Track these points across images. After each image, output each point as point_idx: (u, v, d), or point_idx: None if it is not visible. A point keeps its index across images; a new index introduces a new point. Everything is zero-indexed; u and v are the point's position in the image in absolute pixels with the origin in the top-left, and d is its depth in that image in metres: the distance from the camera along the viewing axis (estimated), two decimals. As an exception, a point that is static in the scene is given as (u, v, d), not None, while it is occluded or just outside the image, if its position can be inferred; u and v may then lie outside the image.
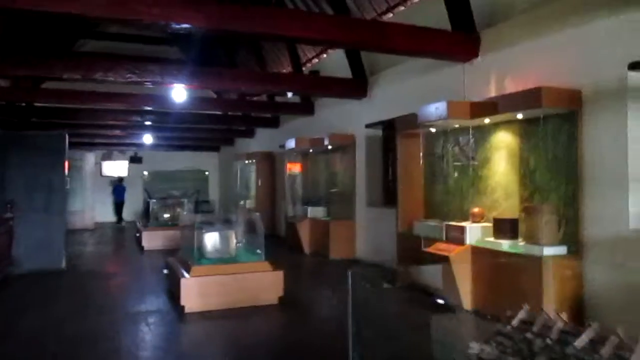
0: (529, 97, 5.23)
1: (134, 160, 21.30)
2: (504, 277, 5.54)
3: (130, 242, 12.99)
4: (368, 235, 9.70)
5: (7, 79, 11.71)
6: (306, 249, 10.70)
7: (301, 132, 12.04)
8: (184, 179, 21.57)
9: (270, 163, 14.92)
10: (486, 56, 6.70)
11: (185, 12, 5.13)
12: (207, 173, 22.42)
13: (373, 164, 9.69)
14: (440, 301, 6.25)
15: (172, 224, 12.36)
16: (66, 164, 8.86)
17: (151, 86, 8.54)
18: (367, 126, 9.51)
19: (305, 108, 12.25)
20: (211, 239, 6.67)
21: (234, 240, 6.83)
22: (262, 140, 16.29)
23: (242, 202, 16.39)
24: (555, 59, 5.63)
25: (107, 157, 21.24)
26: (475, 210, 6.33)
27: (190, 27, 5.32)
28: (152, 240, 11.56)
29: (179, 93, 9.33)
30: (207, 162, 22.22)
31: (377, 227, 9.41)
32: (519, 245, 5.48)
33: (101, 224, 19.22)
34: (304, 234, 10.71)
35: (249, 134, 17.16)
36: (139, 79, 7.92)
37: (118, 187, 20.02)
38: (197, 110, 13.84)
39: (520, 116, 5.70)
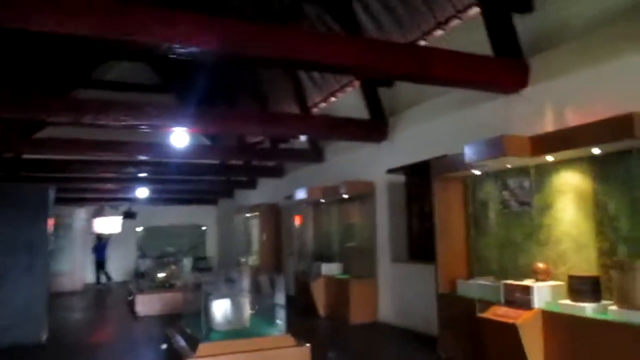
0: (617, 126, 4.26)
1: (128, 215, 20.08)
2: (589, 349, 4.43)
3: (122, 307, 11.69)
4: (393, 294, 8.55)
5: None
6: (321, 311, 9.50)
7: (309, 181, 11.06)
8: (179, 234, 20.41)
9: (275, 216, 13.84)
10: (537, 85, 5.82)
11: (195, 31, 4.21)
12: (204, 228, 21.25)
13: (396, 214, 8.65)
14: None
15: (169, 285, 11.16)
16: (50, 221, 7.77)
17: (147, 131, 7.58)
18: (389, 172, 8.53)
19: (314, 155, 11.31)
20: (221, 307, 5.53)
21: (248, 308, 5.69)
22: (265, 191, 15.28)
23: (243, 260, 15.19)
24: (630, 85, 4.75)
25: (99, 213, 20.05)
26: (540, 266, 5.25)
27: (198, 51, 4.39)
28: (147, 304, 10.31)
29: (179, 138, 8.36)
30: (204, 216, 21.10)
31: (404, 286, 8.30)
32: (610, 311, 4.39)
33: (92, 285, 17.89)
34: (319, 294, 9.53)
35: (250, 185, 16.15)
36: (135, 122, 6.97)
37: (99, 245, 18.62)
38: (195, 160, 12.91)
39: (596, 151, 4.72)
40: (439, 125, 7.56)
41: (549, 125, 5.57)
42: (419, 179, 8.20)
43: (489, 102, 6.48)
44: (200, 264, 17.38)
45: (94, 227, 19.85)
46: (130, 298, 11.29)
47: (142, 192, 15.67)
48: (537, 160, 5.22)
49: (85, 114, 6.79)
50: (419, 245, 8.20)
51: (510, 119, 6.13)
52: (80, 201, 17.80)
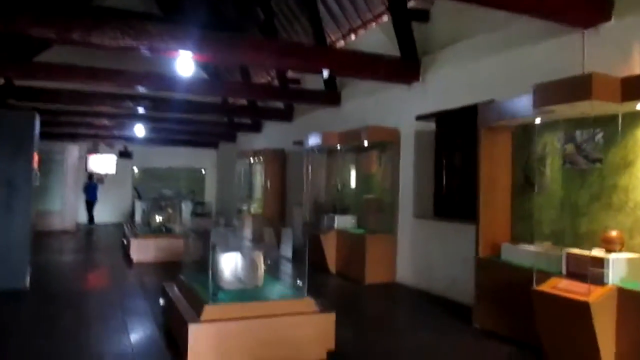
0: None
1: (123, 154, 19.20)
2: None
3: (116, 251, 10.93)
4: (414, 254, 7.76)
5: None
6: (332, 268, 8.73)
7: (322, 127, 10.09)
8: (177, 177, 19.54)
9: (281, 162, 12.93)
10: (624, 20, 4.81)
11: None
12: (203, 172, 20.36)
13: (423, 166, 7.76)
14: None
15: (167, 230, 10.35)
16: (34, 153, 6.83)
17: (148, 54, 6.53)
18: (419, 118, 7.58)
19: (330, 97, 10.29)
20: (230, 262, 4.69)
21: (262, 265, 4.85)
22: (271, 136, 14.30)
23: (244, 207, 14.39)
24: None
25: (93, 150, 19.11)
26: (613, 234, 4.40)
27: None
28: (142, 250, 9.53)
29: (184, 65, 7.33)
30: (203, 160, 20.18)
31: (427, 245, 7.50)
32: None
33: (84, 225, 17.17)
34: (330, 249, 8.74)
35: (255, 128, 15.14)
36: (133, 42, 5.93)
37: (89, 184, 17.79)
38: (197, 97, 11.88)
39: None
40: (481, 68, 6.59)
41: (636, 68, 4.60)
42: (452, 128, 7.28)
43: (549, 40, 5.50)
44: (198, 209, 16.60)
45: (88, 165, 19.02)
46: (125, 242, 10.52)
47: (139, 130, 14.67)
48: (625, 107, 4.27)
49: (76, 30, 5.76)
50: (448, 201, 7.35)
51: (577, 62, 5.14)
52: (73, 137, 16.82)
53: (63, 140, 15.97)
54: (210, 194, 20.06)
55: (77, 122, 15.37)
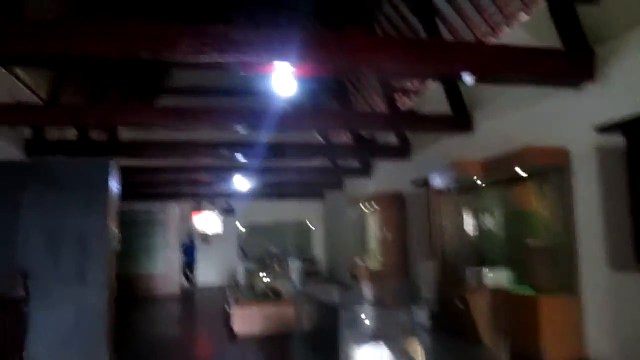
0: None
1: (226, 211, 18.30)
2: None
3: (218, 320, 9.46)
4: (612, 319, 5.46)
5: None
6: (484, 336, 6.58)
7: (449, 159, 8.21)
8: (282, 233, 18.24)
9: (399, 207, 11.03)
10: None
11: None
12: (310, 225, 18.92)
13: (612, 197, 5.55)
14: None
15: (274, 294, 8.76)
16: (112, 205, 5.55)
17: (234, 64, 5.12)
18: (601, 130, 5.45)
19: (458, 121, 8.39)
20: (370, 361, 2.86)
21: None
22: (385, 177, 12.50)
23: (358, 262, 12.57)
24: None
25: (196, 208, 18.42)
26: None
27: None
28: (246, 321, 7.97)
29: (284, 80, 5.84)
30: (309, 212, 18.74)
31: (633, 306, 5.20)
32: None
33: (188, 288, 16.22)
34: (480, 312, 6.63)
35: (364, 171, 13.42)
36: (217, 55, 4.53)
37: (189, 245, 16.95)
38: (294, 137, 10.55)
39: None
40: None
41: None
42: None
43: None
44: (307, 267, 15.07)
45: (192, 224, 18.31)
46: (227, 309, 9.06)
47: (240, 183, 13.52)
48: None
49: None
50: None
51: None
52: (173, 196, 16.14)
53: (163, 200, 15.30)
54: (318, 249, 18.50)
55: (176, 180, 14.66)
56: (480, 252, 7.44)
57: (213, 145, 9.90)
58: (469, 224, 7.89)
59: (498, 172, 6.73)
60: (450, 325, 7.07)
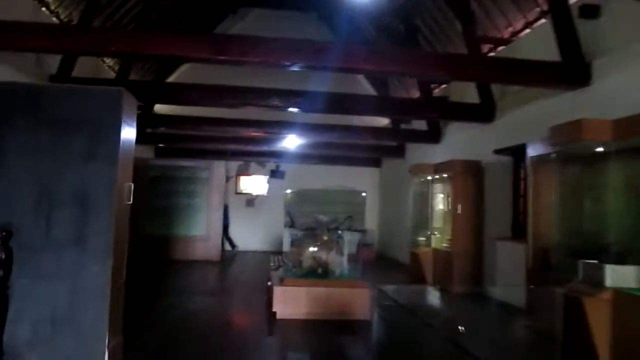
0: None
1: (275, 174, 17.02)
2: None
3: (258, 295, 8.18)
4: None
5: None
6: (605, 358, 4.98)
7: (545, 123, 6.48)
8: (333, 201, 16.67)
9: (477, 180, 9.35)
10: None
11: None
12: (364, 195, 17.36)
13: None
14: None
15: (324, 272, 7.35)
16: (122, 149, 4.19)
17: None
18: None
19: (571, 71, 6.57)
20: None
21: None
22: (457, 145, 10.78)
23: (421, 238, 11.01)
24: None
25: (244, 170, 17.23)
26: None
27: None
28: (289, 302, 6.63)
29: None
30: (364, 181, 17.19)
31: None
32: None
33: (233, 252, 15.19)
34: (600, 324, 5.01)
35: (432, 136, 11.73)
36: None
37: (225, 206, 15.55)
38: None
39: None
40: None
41: None
42: None
43: None
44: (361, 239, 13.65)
45: (239, 186, 17.19)
46: (269, 287, 7.75)
47: (291, 142, 12.12)
48: None
49: None
50: None
51: None
52: (221, 154, 14.97)
53: (208, 158, 14.13)
54: (371, 221, 17.00)
55: (222, 137, 13.45)
56: (595, 242, 5.71)
57: (264, 93, 8.46)
58: (574, 202, 6.16)
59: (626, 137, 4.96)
60: (569, 343, 5.47)
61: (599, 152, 5.52)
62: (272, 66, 6.68)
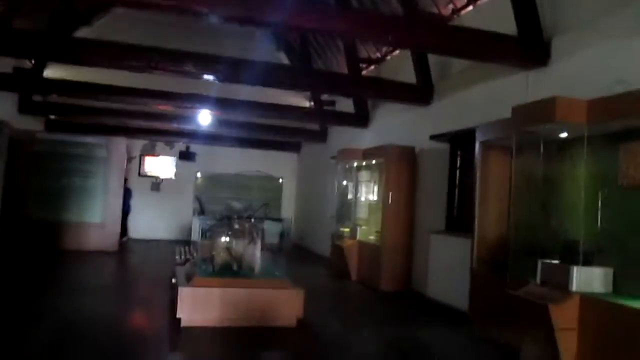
0: None
1: (185, 156, 15.56)
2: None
3: (160, 297, 6.87)
4: None
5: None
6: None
7: (494, 106, 5.86)
8: (248, 187, 15.60)
9: (410, 168, 8.61)
10: None
11: None
12: (281, 181, 16.39)
13: None
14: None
15: (239, 268, 6.20)
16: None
17: None
18: None
19: (528, 49, 5.86)
20: None
21: None
22: (386, 130, 10.01)
23: (342, 230, 10.15)
24: None
25: (149, 149, 15.59)
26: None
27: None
28: (199, 306, 5.47)
29: None
30: (282, 167, 16.22)
31: None
32: None
33: (134, 242, 13.63)
34: (568, 333, 4.34)
35: (359, 119, 10.88)
36: None
37: (125, 190, 13.61)
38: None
39: None
40: None
41: None
42: None
43: None
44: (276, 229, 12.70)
45: (143, 167, 15.55)
46: (173, 283, 6.52)
47: (204, 118, 10.81)
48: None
49: None
50: None
51: None
52: (124, 131, 13.32)
53: (107, 134, 12.48)
54: (288, 208, 16.07)
55: (125, 110, 11.83)
56: (556, 239, 5.04)
57: (177, 56, 7.12)
58: (539, 194, 5.47)
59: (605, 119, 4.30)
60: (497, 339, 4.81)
61: (568, 137, 4.85)
62: (185, 14, 5.40)
